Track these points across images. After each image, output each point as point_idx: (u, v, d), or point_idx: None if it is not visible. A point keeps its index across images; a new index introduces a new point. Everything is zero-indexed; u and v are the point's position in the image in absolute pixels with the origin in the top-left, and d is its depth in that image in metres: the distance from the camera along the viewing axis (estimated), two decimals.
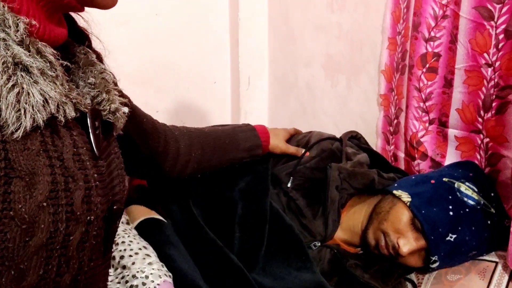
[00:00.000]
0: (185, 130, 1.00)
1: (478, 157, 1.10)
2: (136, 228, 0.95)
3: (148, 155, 0.90)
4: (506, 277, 0.93)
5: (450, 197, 0.96)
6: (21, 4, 0.53)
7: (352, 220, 1.07)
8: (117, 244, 0.85)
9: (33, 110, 0.50)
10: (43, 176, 0.52)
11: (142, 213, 0.99)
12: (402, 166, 1.27)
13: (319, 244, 1.04)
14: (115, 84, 0.68)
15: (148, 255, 0.83)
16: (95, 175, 0.58)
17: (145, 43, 1.62)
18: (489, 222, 0.96)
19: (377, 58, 1.32)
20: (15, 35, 0.51)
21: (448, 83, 1.11)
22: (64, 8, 0.59)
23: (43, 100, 0.51)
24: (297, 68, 1.60)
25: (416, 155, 1.20)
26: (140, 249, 0.84)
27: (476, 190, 0.98)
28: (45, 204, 0.52)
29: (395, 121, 1.28)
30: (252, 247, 0.99)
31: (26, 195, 0.50)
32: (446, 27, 1.09)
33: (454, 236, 0.93)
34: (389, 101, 1.30)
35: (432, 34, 1.11)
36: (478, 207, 0.95)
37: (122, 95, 0.69)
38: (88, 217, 0.57)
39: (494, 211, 0.97)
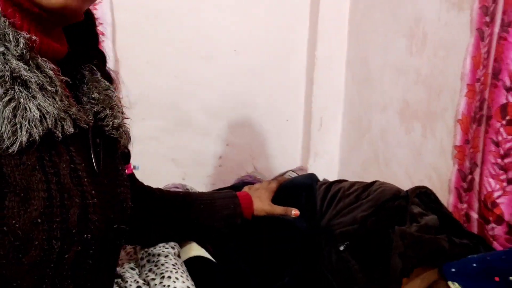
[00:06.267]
0: (159, 192, 0.96)
1: None
2: (185, 262, 0.93)
3: None
4: None
5: None
6: (22, 20, 0.53)
7: None
8: (163, 277, 0.82)
9: (29, 125, 0.50)
10: (39, 191, 0.50)
11: (193, 249, 0.96)
12: (474, 228, 1.11)
13: None
14: (119, 102, 0.67)
15: None
16: (93, 192, 0.57)
17: (223, 77, 1.65)
18: None
19: (455, 106, 1.20)
20: (15, 50, 0.51)
21: None
22: (58, 21, 0.57)
23: (40, 115, 0.51)
24: (372, 112, 1.51)
25: (491, 218, 1.05)
26: None
27: None
28: (39, 220, 0.50)
29: (469, 177, 1.14)
30: None
31: (20, 211, 0.49)
32: None
33: None
34: (464, 153, 1.16)
35: None
36: None
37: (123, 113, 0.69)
38: (85, 235, 0.55)
39: None
